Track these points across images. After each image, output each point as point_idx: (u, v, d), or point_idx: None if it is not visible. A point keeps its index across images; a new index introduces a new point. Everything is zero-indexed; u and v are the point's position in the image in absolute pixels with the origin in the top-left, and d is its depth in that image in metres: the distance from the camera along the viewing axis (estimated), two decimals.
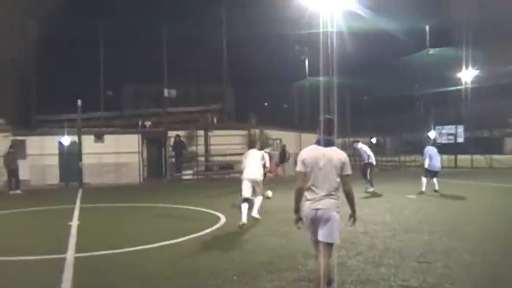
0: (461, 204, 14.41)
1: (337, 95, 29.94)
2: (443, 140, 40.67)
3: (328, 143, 5.53)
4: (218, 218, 11.91)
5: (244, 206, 10.99)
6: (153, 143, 27.75)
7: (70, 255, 8.15)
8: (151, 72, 38.04)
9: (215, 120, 36.40)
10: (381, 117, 53.63)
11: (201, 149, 27.43)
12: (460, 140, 40.14)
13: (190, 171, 27.09)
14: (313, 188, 5.40)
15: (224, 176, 27.54)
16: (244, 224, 10.47)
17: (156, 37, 32.54)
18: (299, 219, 5.58)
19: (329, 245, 5.30)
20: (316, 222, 5.33)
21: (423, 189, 16.89)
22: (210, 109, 38.32)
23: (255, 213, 11.53)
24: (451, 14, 39.11)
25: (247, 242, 8.97)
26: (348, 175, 5.41)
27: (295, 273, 6.71)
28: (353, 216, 5.54)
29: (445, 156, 36.00)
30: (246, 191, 11.51)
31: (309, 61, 47.65)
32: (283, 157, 28.62)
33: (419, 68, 43.71)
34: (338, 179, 5.38)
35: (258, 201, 11.84)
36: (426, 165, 17.35)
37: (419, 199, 15.41)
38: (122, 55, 39.94)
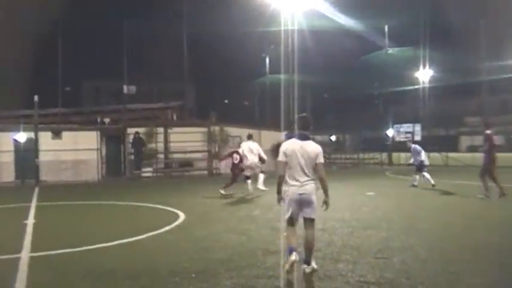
0: (418, 201, 14.63)
1: (298, 93, 30.14)
2: (401, 138, 41.29)
3: (304, 137, 6.70)
4: (177, 216, 11.81)
5: (248, 182, 16.11)
6: (112, 140, 27.37)
7: (25, 254, 7.96)
8: (112, 69, 37.64)
9: (175, 117, 36.20)
10: (340, 115, 54.26)
11: (160, 146, 27.23)
12: (418, 138, 40.75)
13: (149, 169, 26.86)
14: (295, 175, 6.59)
15: (184, 173, 27.41)
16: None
17: (117, 33, 32.21)
18: (281, 199, 6.76)
19: (311, 220, 6.66)
20: (300, 203, 6.57)
21: (416, 183, 17.97)
22: (171, 106, 38.06)
23: (260, 185, 16.32)
24: (410, 14, 39.65)
25: (206, 240, 8.92)
26: (321, 163, 6.63)
27: (255, 271, 6.70)
28: (326, 200, 6.71)
29: (402, 154, 36.61)
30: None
31: (269, 59, 47.74)
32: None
33: (379, 67, 44.29)
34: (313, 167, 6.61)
35: (261, 176, 16.46)
36: (420, 161, 18.58)
37: (377, 196, 15.61)
38: (82, 51, 39.40)
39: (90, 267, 7.17)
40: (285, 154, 6.63)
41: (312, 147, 6.62)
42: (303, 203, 6.56)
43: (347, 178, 23.15)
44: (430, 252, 7.62)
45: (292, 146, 6.64)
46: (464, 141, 66.12)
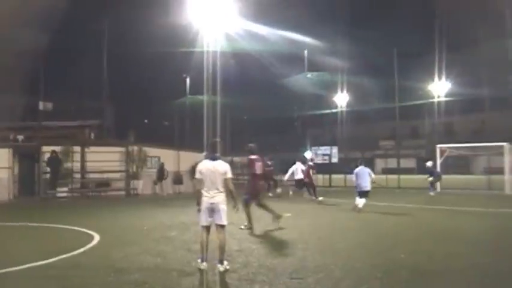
0: (334, 221, 14.96)
1: (217, 114, 30.28)
2: (319, 160, 42.09)
3: (215, 158, 8.31)
4: (92, 237, 11.47)
5: None
6: (26, 158, 26.31)
7: None
8: (27, 84, 36.35)
9: (93, 136, 35.39)
10: (260, 136, 54.60)
11: (77, 165, 26.52)
12: (335, 160, 41.77)
13: (65, 189, 26.05)
14: (207, 189, 8.06)
15: (100, 193, 26.78)
16: None
17: (34, 47, 31.25)
18: (199, 209, 8.05)
19: (222, 226, 8.06)
20: (212, 211, 7.99)
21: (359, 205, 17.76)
22: (88, 124, 37.13)
23: None
24: (330, 40, 40.83)
25: (121, 261, 8.74)
26: (229, 178, 8.23)
27: None
28: (236, 205, 8.57)
29: (320, 176, 37.30)
30: None
31: (190, 80, 47.66)
32: (161, 175, 28.37)
33: (298, 91, 45.08)
34: (223, 182, 8.16)
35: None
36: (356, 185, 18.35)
37: (294, 217, 15.78)
38: None
39: None
40: (200, 172, 8.16)
41: (221, 166, 8.21)
42: (213, 210, 7.99)
43: (265, 199, 23.25)
44: (344, 272, 7.79)
45: (205, 165, 8.20)
46: (379, 163, 68.23)
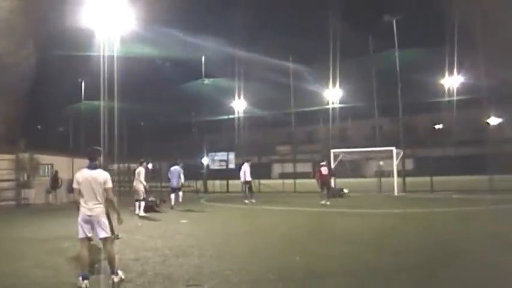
0: (230, 227, 15.07)
1: (113, 120, 29.62)
2: (216, 166, 42.29)
3: (95, 167, 7.81)
4: None
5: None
6: None
7: None
8: None
9: None
10: (157, 142, 54.12)
11: None
12: (232, 166, 42.07)
13: None
14: (85, 199, 7.56)
15: None
16: None
17: None
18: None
19: (106, 239, 7.61)
20: (89, 223, 7.54)
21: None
22: None
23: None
24: (227, 45, 41.14)
25: (10, 277, 8.30)
26: (109, 188, 7.72)
27: None
28: (119, 217, 8.16)
29: (217, 182, 37.42)
30: None
31: (85, 84, 46.45)
32: (55, 183, 27.39)
33: (195, 96, 45.05)
34: (103, 192, 7.66)
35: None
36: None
37: (190, 224, 15.76)
38: None
39: None
40: (78, 182, 7.65)
41: (101, 175, 7.72)
42: (91, 222, 7.54)
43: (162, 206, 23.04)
44: (240, 276, 7.85)
45: (84, 174, 7.71)
46: (276, 168, 69.49)
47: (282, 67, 42.10)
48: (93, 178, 7.63)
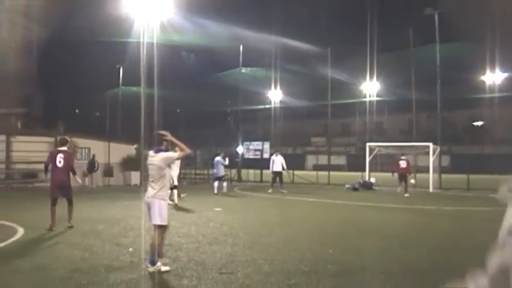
0: (264, 216, 15.06)
1: (150, 106, 29.91)
2: (251, 155, 42.34)
3: (158, 151, 7.72)
4: (15, 231, 11.08)
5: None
6: None
7: None
8: None
9: (19, 125, 34.25)
10: (192, 130, 54.42)
11: (1, 155, 25.58)
12: (266, 155, 42.06)
13: None
14: (149, 183, 7.71)
15: (27, 185, 25.92)
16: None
17: None
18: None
19: (160, 226, 7.61)
20: (148, 206, 7.61)
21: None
22: (15, 113, 35.87)
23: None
24: (265, 36, 41.02)
25: (46, 256, 8.48)
26: (170, 157, 7.76)
27: None
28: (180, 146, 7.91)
29: (251, 171, 37.46)
30: None
31: (123, 70, 46.91)
32: (92, 167, 27.82)
33: (232, 85, 45.09)
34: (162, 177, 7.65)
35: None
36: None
37: (224, 212, 15.82)
38: None
39: None
40: (146, 165, 7.86)
41: (163, 155, 7.67)
42: (150, 206, 7.57)
43: (196, 193, 23.23)
44: (272, 266, 7.86)
45: (149, 158, 7.80)
46: (311, 159, 69.29)
47: (319, 59, 41.88)
48: (154, 161, 7.67)
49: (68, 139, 13.45)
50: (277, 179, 25.30)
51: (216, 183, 23.61)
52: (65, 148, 12.48)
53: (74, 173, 12.46)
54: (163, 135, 7.85)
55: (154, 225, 7.61)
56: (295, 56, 46.86)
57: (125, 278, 7.01)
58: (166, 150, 7.80)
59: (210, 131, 56.40)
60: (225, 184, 24.10)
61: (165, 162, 7.67)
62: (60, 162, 11.94)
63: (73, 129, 32.42)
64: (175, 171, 18.17)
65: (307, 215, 15.97)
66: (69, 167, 12.15)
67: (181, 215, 14.74)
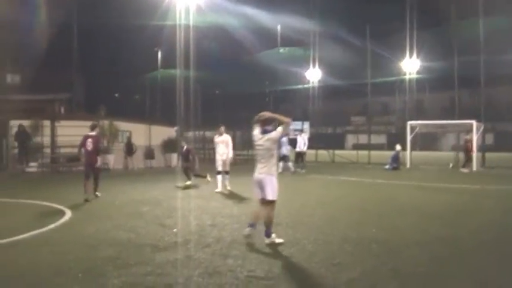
0: (306, 196, 15.07)
1: (189, 88, 30.12)
2: (290, 136, 42.20)
3: (265, 132, 8.13)
4: (63, 213, 11.36)
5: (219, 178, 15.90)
6: None
7: None
8: None
9: (63, 110, 34.90)
10: (231, 111, 54.54)
11: (47, 139, 26.13)
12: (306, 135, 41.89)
13: (35, 164, 25.63)
14: (257, 162, 8.21)
15: (71, 168, 26.43)
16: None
17: (1, 19, 30.49)
18: None
19: (269, 201, 8.04)
20: (258, 185, 8.12)
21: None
22: (58, 98, 36.60)
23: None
24: (302, 15, 40.68)
25: (94, 237, 8.68)
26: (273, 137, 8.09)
27: (143, 268, 6.62)
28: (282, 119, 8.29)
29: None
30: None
31: (162, 53, 47.20)
32: (129, 149, 28.11)
33: (270, 66, 44.92)
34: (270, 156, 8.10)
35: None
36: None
37: None
38: None
39: None
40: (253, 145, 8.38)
41: (271, 134, 8.07)
42: (261, 184, 8.07)
43: (237, 174, 23.29)
44: (316, 246, 7.91)
45: (256, 139, 8.26)
46: (350, 139, 68.81)
47: (358, 36, 41.35)
48: (263, 143, 8.10)
49: (97, 124, 15.75)
50: (300, 159, 25.62)
51: (280, 164, 22.97)
52: (94, 133, 14.54)
53: (98, 155, 14.57)
54: (266, 117, 8.34)
55: (263, 200, 8.10)
56: (334, 35, 46.43)
57: (170, 258, 7.13)
58: (274, 130, 8.16)
59: (248, 112, 56.49)
60: (290, 164, 24.46)
61: (273, 143, 8.11)
62: (89, 146, 14.05)
63: (113, 113, 32.85)
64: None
65: (349, 194, 15.90)
66: (96, 150, 14.21)
67: (222, 196, 14.84)
